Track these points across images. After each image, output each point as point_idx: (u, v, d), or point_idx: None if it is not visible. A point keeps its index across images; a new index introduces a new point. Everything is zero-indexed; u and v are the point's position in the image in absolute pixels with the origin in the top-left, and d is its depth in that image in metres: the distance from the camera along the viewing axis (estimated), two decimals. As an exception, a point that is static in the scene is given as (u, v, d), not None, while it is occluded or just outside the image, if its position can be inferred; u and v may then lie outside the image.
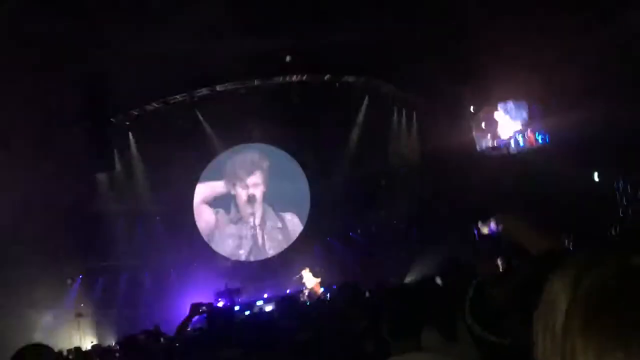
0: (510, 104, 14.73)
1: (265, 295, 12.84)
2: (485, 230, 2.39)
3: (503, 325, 2.97)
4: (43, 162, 11.47)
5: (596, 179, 13.38)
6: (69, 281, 12.54)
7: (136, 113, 13.60)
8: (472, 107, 14.95)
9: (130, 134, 13.63)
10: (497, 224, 2.38)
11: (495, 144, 15.04)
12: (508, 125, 15.03)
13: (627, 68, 11.35)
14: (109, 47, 10.57)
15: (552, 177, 12.50)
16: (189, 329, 5.18)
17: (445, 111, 14.49)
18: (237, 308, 10.81)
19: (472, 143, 14.93)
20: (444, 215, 13.15)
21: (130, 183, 13.66)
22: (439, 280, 4.78)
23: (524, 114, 14.79)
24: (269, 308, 11.30)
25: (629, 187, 12.05)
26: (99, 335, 11.82)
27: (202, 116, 14.02)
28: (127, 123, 13.57)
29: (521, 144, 14.73)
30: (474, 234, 2.30)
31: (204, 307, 5.22)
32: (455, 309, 3.69)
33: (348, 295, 4.04)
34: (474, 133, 15.00)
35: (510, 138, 14.85)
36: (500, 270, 4.98)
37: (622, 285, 0.59)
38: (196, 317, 5.17)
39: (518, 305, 3.02)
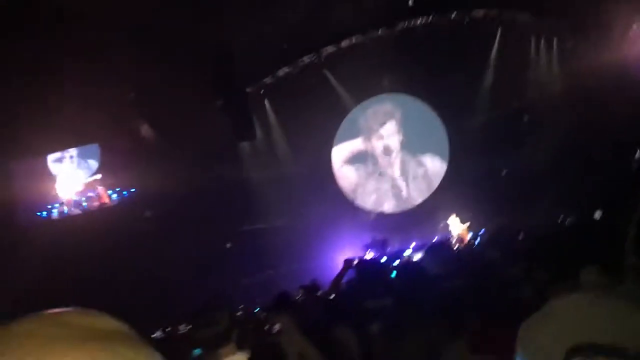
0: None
1: (413, 244, 12.81)
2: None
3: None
4: (192, 138, 12.41)
5: None
6: (228, 245, 13.52)
7: (269, 81, 14.07)
8: (622, 24, 13.42)
9: (266, 101, 14.18)
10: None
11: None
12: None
13: None
14: (231, 22, 10.95)
15: None
16: (342, 283, 5.36)
17: (588, 35, 13.15)
18: (384, 259, 10.94)
19: (626, 66, 13.44)
20: (595, 147, 12.12)
21: (272, 149, 14.30)
22: (597, 215, 4.45)
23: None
24: (417, 257, 11.28)
25: None
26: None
27: (332, 75, 14.16)
28: (262, 91, 14.10)
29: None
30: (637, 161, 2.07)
31: (355, 261, 5.36)
32: (618, 247, 3.42)
33: (501, 239, 3.90)
34: (623, 55, 13.49)
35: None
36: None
37: None
38: (349, 272, 5.34)
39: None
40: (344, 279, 5.36)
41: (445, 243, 10.42)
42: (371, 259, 9.11)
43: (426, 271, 4.71)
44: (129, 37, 9.35)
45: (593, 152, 11.99)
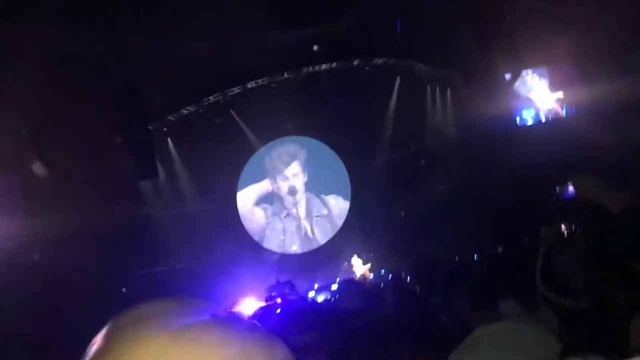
0: (530, 72, 14.43)
1: (316, 286, 12.86)
2: (566, 191, 2.35)
3: (574, 289, 2.92)
4: (89, 176, 11.80)
5: None
6: (123, 290, 12.83)
7: (172, 118, 13.82)
8: (507, 76, 14.66)
9: (169, 139, 13.87)
10: (575, 186, 2.34)
11: (532, 114, 14.76)
12: (542, 93, 14.73)
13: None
14: (137, 58, 10.74)
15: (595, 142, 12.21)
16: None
17: (479, 83, 14.24)
18: (292, 299, 10.86)
19: (510, 113, 14.67)
20: (488, 189, 12.98)
21: (175, 188, 13.94)
22: (499, 250, 4.73)
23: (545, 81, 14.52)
24: (321, 298, 11.32)
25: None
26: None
27: (237, 115, 14.17)
28: (165, 129, 13.80)
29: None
30: (554, 197, 2.26)
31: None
32: (529, 279, 3.65)
33: (420, 274, 4.03)
34: (510, 102, 14.73)
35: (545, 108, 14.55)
36: (565, 236, 4.89)
37: None
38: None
39: (585, 269, 2.97)
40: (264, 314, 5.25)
41: (354, 279, 10.54)
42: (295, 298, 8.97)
43: (337, 307, 4.74)
44: (25, 61, 8.85)
45: (488, 191, 12.82)
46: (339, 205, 15.00)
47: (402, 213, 14.89)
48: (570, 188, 2.31)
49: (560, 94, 14.29)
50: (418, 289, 3.92)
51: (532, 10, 11.58)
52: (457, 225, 12.70)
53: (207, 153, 13.37)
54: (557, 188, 2.35)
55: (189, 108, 13.82)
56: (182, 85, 12.62)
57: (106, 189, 12.07)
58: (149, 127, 12.53)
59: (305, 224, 14.89)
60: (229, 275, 13.06)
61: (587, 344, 2.48)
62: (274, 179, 14.83)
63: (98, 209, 11.63)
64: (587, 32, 11.57)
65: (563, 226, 5.04)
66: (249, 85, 13.91)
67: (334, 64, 14.05)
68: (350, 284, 4.53)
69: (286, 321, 4.65)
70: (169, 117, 13.73)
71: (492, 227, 9.91)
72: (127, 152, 11.73)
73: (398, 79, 14.59)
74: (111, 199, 12.18)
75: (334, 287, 11.01)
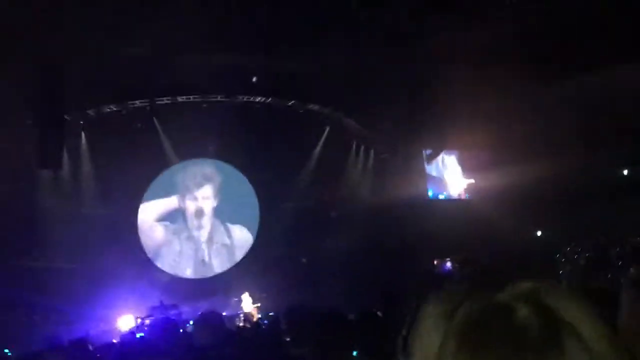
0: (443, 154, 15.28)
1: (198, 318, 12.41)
2: (446, 266, 2.42)
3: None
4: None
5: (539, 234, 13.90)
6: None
7: (92, 113, 13.26)
8: (426, 152, 15.37)
9: (83, 134, 13.25)
10: (454, 262, 2.41)
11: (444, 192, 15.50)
12: (456, 175, 15.55)
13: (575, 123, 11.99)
14: (71, 43, 10.34)
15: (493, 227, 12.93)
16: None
17: (400, 153, 14.81)
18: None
19: (424, 187, 15.31)
20: (387, 254, 13.33)
21: (76, 185, 13.22)
22: (380, 314, 4.77)
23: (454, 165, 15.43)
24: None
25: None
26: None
27: (160, 125, 13.77)
28: (82, 122, 13.20)
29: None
30: (432, 270, 2.31)
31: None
32: (391, 343, 3.68)
33: (292, 319, 3.99)
34: (426, 177, 15.40)
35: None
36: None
37: (485, 319, 0.70)
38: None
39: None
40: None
41: (214, 313, 10.21)
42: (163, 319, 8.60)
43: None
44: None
45: (385, 256, 13.15)
46: (243, 237, 14.78)
47: (303, 260, 14.88)
48: (448, 264, 2.38)
49: (471, 180, 15.11)
50: (286, 336, 3.89)
51: (461, 99, 12.24)
52: (348, 281, 12.89)
53: (120, 157, 12.85)
54: (436, 262, 2.41)
55: (112, 107, 13.33)
56: (110, 83, 12.18)
57: (3, 168, 11.29)
58: (65, 117, 11.93)
59: (204, 249, 14.52)
60: (113, 287, 12.44)
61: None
62: (182, 197, 14.44)
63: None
64: (505, 126, 12.41)
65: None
66: (180, 99, 13.64)
67: (270, 99, 14.10)
68: (208, 319, 4.43)
69: (149, 345, 4.49)
70: (88, 111, 13.15)
71: (373, 288, 10.10)
72: (35, 136, 11.11)
73: (327, 129, 14.85)
74: (6, 180, 11.38)
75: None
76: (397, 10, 10.51)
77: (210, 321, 5.11)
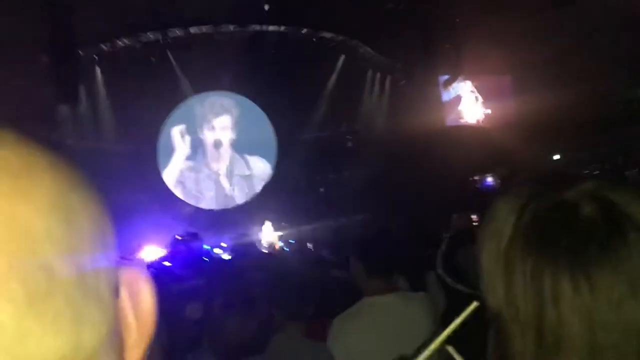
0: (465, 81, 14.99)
1: (224, 245, 12.78)
2: (488, 180, 2.47)
3: (470, 278, 3.10)
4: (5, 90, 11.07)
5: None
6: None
7: (105, 48, 13.17)
8: (442, 79, 15.10)
9: (97, 68, 13.22)
10: (496, 177, 2.45)
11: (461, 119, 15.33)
12: (473, 102, 15.33)
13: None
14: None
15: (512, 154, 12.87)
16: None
17: (417, 80, 14.58)
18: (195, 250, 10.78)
19: (441, 114, 15.15)
20: (404, 180, 13.37)
21: (95, 119, 13.33)
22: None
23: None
24: (226, 256, 11.29)
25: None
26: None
27: (174, 58, 13.68)
28: (95, 57, 13.14)
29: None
30: (474, 186, 2.36)
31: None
32: (425, 260, 3.83)
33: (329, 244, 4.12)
34: (443, 104, 15.21)
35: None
36: (475, 224, 5.15)
37: (553, 215, 0.73)
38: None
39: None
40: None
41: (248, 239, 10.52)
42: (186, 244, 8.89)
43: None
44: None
45: (404, 181, 13.20)
46: (261, 169, 14.95)
47: (322, 189, 15.07)
48: (489, 179, 2.42)
49: (487, 109, 14.93)
50: (325, 255, 4.03)
51: (477, 23, 11.90)
52: (370, 208, 13.01)
53: (136, 91, 12.84)
54: (477, 178, 2.45)
55: (125, 41, 13.21)
56: (122, 16, 12.02)
57: (20, 106, 11.38)
58: (79, 52, 11.88)
59: (224, 181, 14.75)
60: (137, 219, 12.75)
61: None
62: (201, 128, 14.54)
63: (6, 123, 10.94)
64: (524, 50, 12.11)
65: (474, 217, 5.32)
66: (192, 30, 13.46)
67: (282, 28, 13.85)
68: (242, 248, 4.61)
69: (183, 266, 4.68)
70: (102, 46, 13.06)
71: (400, 212, 10.25)
72: (50, 72, 11.10)
73: (342, 57, 14.63)
74: (24, 118, 11.51)
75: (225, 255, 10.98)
76: None
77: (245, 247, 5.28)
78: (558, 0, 11.11)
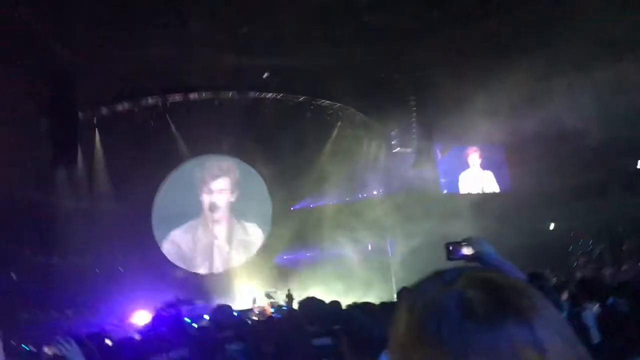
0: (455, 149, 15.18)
1: (207, 316, 12.56)
2: (461, 251, 2.45)
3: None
4: (4, 151, 11.17)
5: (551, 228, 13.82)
6: (13, 275, 12.08)
7: (105, 111, 13.39)
8: (438, 147, 15.32)
9: (97, 131, 13.39)
10: (469, 246, 2.43)
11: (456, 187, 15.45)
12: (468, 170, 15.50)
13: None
14: (83, 42, 10.45)
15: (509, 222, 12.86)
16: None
17: (412, 148, 14.74)
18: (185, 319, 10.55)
19: (436, 182, 15.26)
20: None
21: (92, 181, 13.37)
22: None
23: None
24: (208, 324, 11.03)
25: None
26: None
27: (173, 122, 13.88)
28: (95, 120, 13.34)
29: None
30: (447, 254, 2.35)
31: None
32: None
33: (309, 309, 4.04)
34: (437, 173, 15.35)
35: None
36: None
37: (439, 304, 0.77)
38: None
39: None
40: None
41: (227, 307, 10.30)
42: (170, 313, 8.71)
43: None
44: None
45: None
46: (256, 234, 14.89)
47: (309, 255, 14.93)
48: (464, 250, 2.40)
49: (482, 175, 15.05)
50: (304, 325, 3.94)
51: (472, 94, 12.14)
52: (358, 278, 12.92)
53: (133, 154, 12.97)
54: (451, 246, 2.44)
55: (124, 104, 13.44)
56: (123, 80, 12.30)
57: (19, 167, 11.45)
58: (78, 114, 12.05)
59: (221, 244, 14.63)
60: (129, 283, 12.58)
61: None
62: (198, 191, 14.58)
63: (6, 186, 10.98)
64: (516, 121, 12.33)
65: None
66: (191, 96, 13.72)
67: (280, 95, 14.13)
68: (223, 311, 4.53)
69: (168, 334, 4.57)
70: (102, 108, 13.28)
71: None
72: (49, 135, 11.22)
73: (339, 124, 14.86)
74: (22, 179, 11.54)
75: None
76: (403, 10, 10.47)
77: (224, 315, 5.21)
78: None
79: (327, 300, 4.59)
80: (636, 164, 13.49)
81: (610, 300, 4.82)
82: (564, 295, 5.58)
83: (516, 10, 10.30)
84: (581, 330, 4.00)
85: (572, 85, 11.91)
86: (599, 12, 10.12)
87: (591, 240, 11.87)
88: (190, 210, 14.52)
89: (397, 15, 10.60)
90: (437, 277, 0.83)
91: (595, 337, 4.16)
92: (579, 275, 10.27)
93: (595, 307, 4.77)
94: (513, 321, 0.72)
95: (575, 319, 4.28)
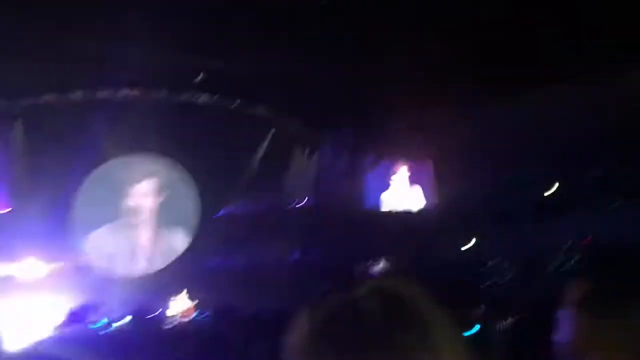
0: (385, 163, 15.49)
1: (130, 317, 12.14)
2: (370, 270, 2.49)
3: None
4: None
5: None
6: None
7: (27, 104, 12.74)
8: (369, 161, 15.57)
9: (16, 125, 12.73)
10: (387, 265, 2.46)
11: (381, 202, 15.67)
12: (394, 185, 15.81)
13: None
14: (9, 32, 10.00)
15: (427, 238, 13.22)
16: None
17: (343, 159, 14.94)
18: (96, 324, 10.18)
19: (362, 196, 15.48)
20: (319, 260, 13.43)
21: (9, 178, 12.67)
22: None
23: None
24: (125, 330, 10.70)
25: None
26: None
27: (99, 119, 13.33)
28: (15, 113, 12.68)
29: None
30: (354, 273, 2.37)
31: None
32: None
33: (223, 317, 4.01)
34: (366, 185, 15.58)
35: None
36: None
37: (339, 314, 0.78)
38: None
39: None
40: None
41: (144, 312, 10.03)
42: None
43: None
44: None
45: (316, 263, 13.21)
46: (180, 238, 14.52)
47: (237, 261, 14.79)
48: (379, 267, 2.43)
49: (409, 191, 15.42)
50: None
51: (404, 110, 12.44)
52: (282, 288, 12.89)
53: (55, 151, 12.37)
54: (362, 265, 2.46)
55: (48, 98, 12.83)
56: (48, 74, 11.77)
57: None
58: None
59: (142, 249, 14.18)
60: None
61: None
62: (120, 193, 14.06)
63: None
64: (445, 138, 12.74)
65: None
66: (121, 93, 13.26)
67: (214, 98, 13.92)
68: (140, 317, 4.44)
69: (78, 344, 4.38)
70: (23, 102, 12.64)
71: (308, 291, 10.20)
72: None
73: (272, 130, 14.82)
74: None
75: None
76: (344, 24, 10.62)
77: (142, 320, 5.05)
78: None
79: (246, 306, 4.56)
80: (543, 193, 14.09)
81: (519, 317, 5.01)
82: (476, 312, 5.77)
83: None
84: (489, 346, 4.14)
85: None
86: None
87: (506, 260, 12.35)
88: (113, 212, 13.98)
89: (337, 28, 10.74)
90: (341, 288, 0.83)
91: (503, 354, 4.31)
92: (489, 293, 10.63)
93: (504, 324, 4.95)
94: (407, 328, 0.73)
95: (484, 335, 4.43)
